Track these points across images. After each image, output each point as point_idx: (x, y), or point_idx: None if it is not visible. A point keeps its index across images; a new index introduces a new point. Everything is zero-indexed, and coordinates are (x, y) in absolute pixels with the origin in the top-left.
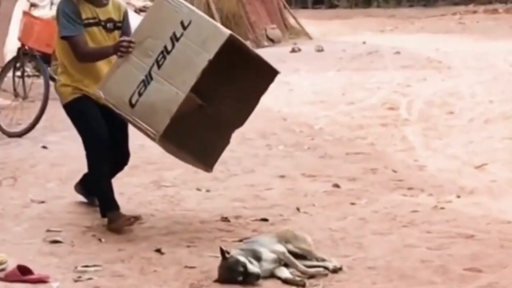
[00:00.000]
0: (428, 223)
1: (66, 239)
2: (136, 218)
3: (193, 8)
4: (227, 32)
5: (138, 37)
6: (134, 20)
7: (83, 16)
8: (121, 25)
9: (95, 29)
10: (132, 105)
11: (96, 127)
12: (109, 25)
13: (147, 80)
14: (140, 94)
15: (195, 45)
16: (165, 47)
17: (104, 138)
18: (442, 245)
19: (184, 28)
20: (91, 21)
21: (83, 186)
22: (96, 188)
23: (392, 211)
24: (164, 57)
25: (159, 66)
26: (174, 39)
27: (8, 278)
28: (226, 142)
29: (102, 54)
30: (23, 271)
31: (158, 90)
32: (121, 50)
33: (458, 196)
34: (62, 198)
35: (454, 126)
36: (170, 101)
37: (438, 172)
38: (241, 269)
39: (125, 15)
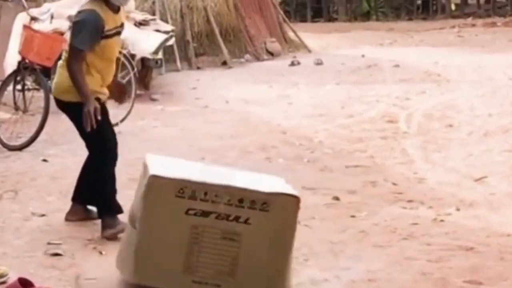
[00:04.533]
0: (428, 235)
1: (67, 252)
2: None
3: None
4: None
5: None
6: (134, 34)
7: (106, 28)
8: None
9: (115, 38)
10: None
11: (110, 129)
12: (121, 29)
13: None
14: None
15: None
16: None
17: (115, 140)
18: (442, 258)
19: None
20: (113, 31)
21: (75, 214)
22: (100, 189)
23: (392, 224)
24: None
25: None
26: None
27: None
28: None
29: (79, 87)
30: (24, 284)
31: None
32: (84, 118)
33: (458, 209)
34: (62, 211)
35: (453, 139)
36: None
37: (438, 185)
38: None
39: None
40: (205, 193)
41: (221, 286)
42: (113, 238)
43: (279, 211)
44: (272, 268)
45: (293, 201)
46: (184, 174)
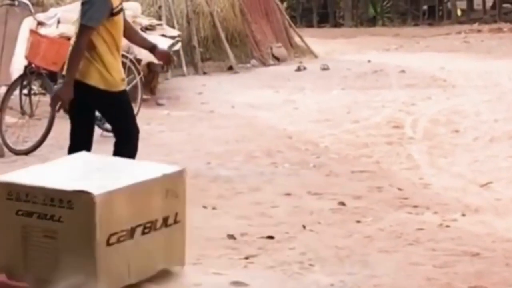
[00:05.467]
0: (433, 241)
1: None
2: None
3: None
4: None
5: None
6: None
7: (114, 6)
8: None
9: (121, 14)
10: None
11: (132, 114)
12: (122, 6)
13: None
14: None
15: None
16: None
17: (135, 124)
18: (447, 263)
19: None
20: (119, 8)
21: None
22: None
23: (398, 229)
24: None
25: None
26: None
27: None
28: None
29: (72, 64)
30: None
31: None
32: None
33: (463, 214)
34: None
35: (459, 145)
36: None
37: (443, 190)
38: None
39: None
40: (27, 195)
41: (52, 282)
42: None
43: (81, 208)
44: (85, 265)
45: (88, 198)
46: (18, 177)
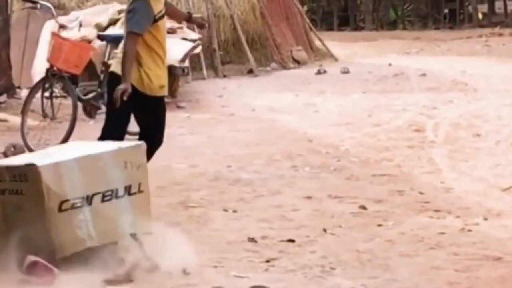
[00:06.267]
0: (455, 245)
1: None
2: None
3: None
4: None
5: None
6: None
7: (155, 12)
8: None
9: (163, 20)
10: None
11: (163, 120)
12: (164, 11)
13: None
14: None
15: None
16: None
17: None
18: (469, 268)
19: None
20: (162, 13)
21: None
22: None
23: (419, 233)
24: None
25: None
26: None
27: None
28: None
29: (125, 65)
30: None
31: None
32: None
33: (485, 219)
34: None
35: (480, 149)
36: None
37: (465, 194)
38: None
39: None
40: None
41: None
42: None
43: (32, 179)
44: (42, 230)
45: (34, 169)
46: None
